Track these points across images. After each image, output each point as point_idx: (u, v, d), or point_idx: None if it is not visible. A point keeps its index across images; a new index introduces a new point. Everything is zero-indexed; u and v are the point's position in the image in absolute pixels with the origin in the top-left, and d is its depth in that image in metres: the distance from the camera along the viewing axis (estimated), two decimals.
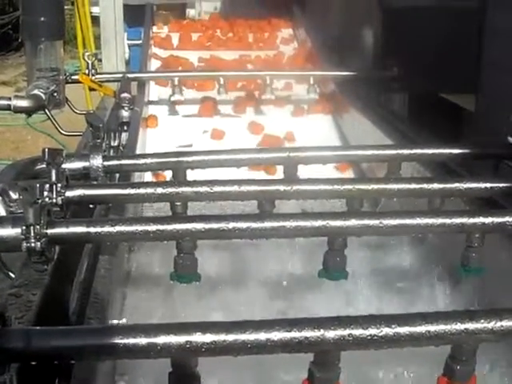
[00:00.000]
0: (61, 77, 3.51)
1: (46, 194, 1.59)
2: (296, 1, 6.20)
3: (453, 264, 1.70)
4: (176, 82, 3.79)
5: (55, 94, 3.33)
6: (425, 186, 1.79)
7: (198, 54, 4.97)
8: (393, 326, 1.10)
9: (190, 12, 8.36)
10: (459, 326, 1.11)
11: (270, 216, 1.62)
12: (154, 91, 4.19)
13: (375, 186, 1.80)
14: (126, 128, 2.91)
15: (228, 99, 3.93)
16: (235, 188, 1.75)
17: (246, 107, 3.96)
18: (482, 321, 1.11)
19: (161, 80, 4.26)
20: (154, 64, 4.82)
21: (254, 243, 1.64)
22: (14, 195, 1.67)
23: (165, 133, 3.63)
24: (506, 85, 3.16)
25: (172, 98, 3.83)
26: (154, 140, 3.52)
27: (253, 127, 3.64)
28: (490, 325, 1.11)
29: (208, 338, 1.07)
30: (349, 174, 3.00)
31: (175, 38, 5.48)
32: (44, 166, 1.71)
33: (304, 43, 5.20)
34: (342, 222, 1.52)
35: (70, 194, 1.70)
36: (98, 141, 2.02)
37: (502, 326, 1.11)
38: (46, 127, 6.92)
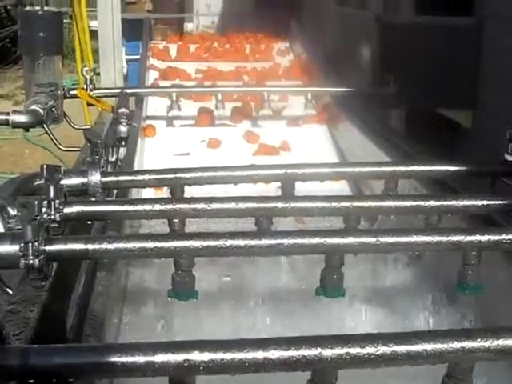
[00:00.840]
0: (59, 92, 3.52)
1: (44, 210, 1.60)
2: (293, 17, 6.24)
3: (450, 281, 1.70)
4: (174, 98, 3.82)
5: (53, 110, 3.34)
6: (422, 203, 1.79)
7: (196, 66, 5.03)
8: (390, 345, 1.10)
9: (188, 26, 8.41)
10: (456, 345, 1.11)
11: (268, 233, 1.62)
12: (152, 101, 4.23)
13: (372, 204, 1.80)
14: (124, 143, 2.92)
15: (224, 110, 3.97)
16: (233, 205, 1.75)
17: (241, 117, 4.00)
18: (479, 339, 1.11)
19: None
20: (152, 75, 4.87)
21: (251, 260, 1.64)
22: (12, 211, 1.67)
23: (163, 142, 3.67)
24: (503, 102, 3.18)
25: (170, 110, 3.87)
26: (153, 149, 3.56)
27: (248, 136, 3.70)
28: (487, 343, 1.11)
29: (206, 356, 1.07)
30: (342, 183, 3.00)
31: (173, 50, 5.54)
32: (42, 182, 1.71)
33: (300, 59, 5.23)
34: (340, 240, 1.52)
35: (68, 210, 1.70)
36: (97, 157, 2.02)
37: (498, 344, 1.11)
38: (44, 141, 6.93)
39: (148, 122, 3.93)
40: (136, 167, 2.84)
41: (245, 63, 5.22)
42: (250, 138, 3.70)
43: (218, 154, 3.54)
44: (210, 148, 3.62)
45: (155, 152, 3.54)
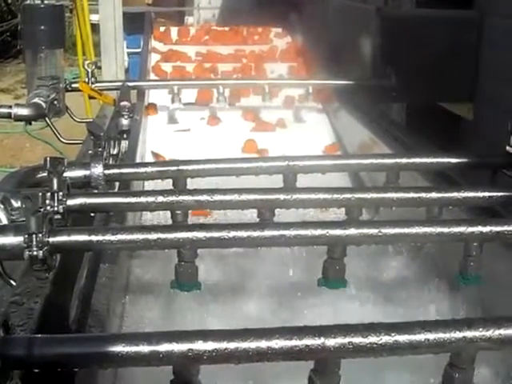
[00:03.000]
0: (61, 85, 3.53)
1: (47, 202, 1.60)
2: (293, 11, 6.22)
3: (451, 273, 1.71)
4: (176, 91, 3.82)
5: (55, 103, 3.35)
6: (423, 194, 1.80)
7: (196, 49, 5.11)
8: (392, 334, 1.11)
9: (189, 19, 8.39)
10: (458, 334, 1.12)
11: (270, 225, 1.63)
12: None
13: (374, 195, 1.81)
14: (125, 136, 2.93)
15: (226, 102, 4.00)
16: (235, 197, 1.76)
17: (240, 96, 4.08)
18: (481, 329, 1.12)
19: (160, 69, 4.54)
20: (154, 57, 4.94)
21: (254, 251, 1.65)
22: (15, 203, 1.68)
23: (164, 120, 3.80)
24: (505, 94, 3.18)
25: (171, 100, 3.89)
26: (154, 126, 3.69)
27: (246, 114, 3.85)
28: (489, 333, 1.12)
29: (209, 346, 1.08)
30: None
31: (174, 33, 5.67)
32: (45, 174, 1.71)
33: (301, 54, 5.23)
34: (342, 231, 1.53)
35: (71, 202, 1.70)
36: (99, 149, 2.03)
37: (500, 334, 1.12)
38: (44, 135, 6.93)
39: (150, 99, 4.02)
40: (139, 148, 2.88)
41: (243, 46, 5.33)
42: (248, 116, 3.84)
43: (217, 131, 3.68)
44: (209, 125, 3.75)
45: (157, 129, 3.67)
